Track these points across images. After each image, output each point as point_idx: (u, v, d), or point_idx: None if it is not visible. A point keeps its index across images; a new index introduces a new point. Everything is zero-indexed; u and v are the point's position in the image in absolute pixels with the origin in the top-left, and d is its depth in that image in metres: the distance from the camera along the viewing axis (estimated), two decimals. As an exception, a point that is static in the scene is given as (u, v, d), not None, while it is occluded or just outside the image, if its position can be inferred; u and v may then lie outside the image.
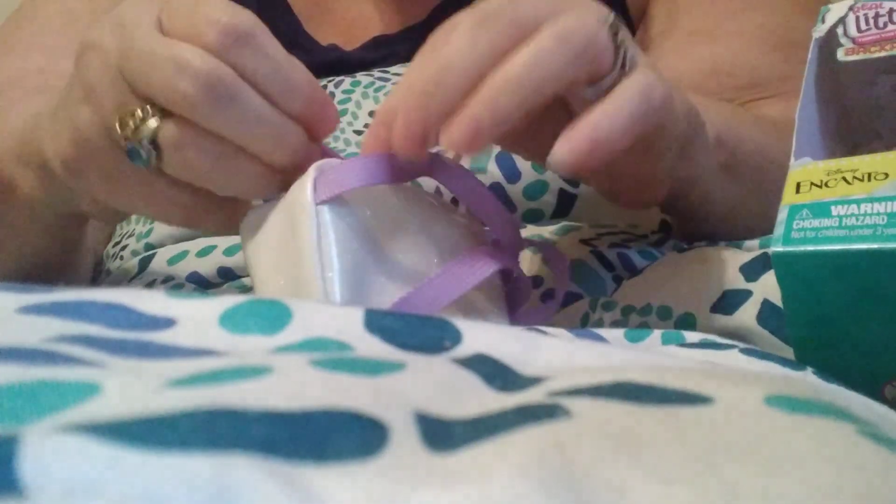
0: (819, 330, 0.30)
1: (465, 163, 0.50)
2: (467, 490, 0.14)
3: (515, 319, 0.38)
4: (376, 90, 0.58)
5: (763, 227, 0.47)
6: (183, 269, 0.51)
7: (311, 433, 0.14)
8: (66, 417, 0.14)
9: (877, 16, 0.35)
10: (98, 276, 0.61)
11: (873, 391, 0.29)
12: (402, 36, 0.63)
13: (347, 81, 0.59)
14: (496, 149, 0.51)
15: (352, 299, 0.31)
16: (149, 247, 0.55)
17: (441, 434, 0.16)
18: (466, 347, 0.22)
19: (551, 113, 0.34)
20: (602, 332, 0.30)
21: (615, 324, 0.40)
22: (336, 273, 0.31)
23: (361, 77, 0.59)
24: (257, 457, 0.13)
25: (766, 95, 0.57)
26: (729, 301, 0.37)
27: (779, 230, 0.30)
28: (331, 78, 0.60)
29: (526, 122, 0.33)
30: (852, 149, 0.36)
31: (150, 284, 0.52)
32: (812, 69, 0.35)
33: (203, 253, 0.51)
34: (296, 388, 0.16)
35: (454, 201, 0.48)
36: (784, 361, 0.28)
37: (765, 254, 0.38)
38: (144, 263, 0.54)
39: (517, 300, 0.39)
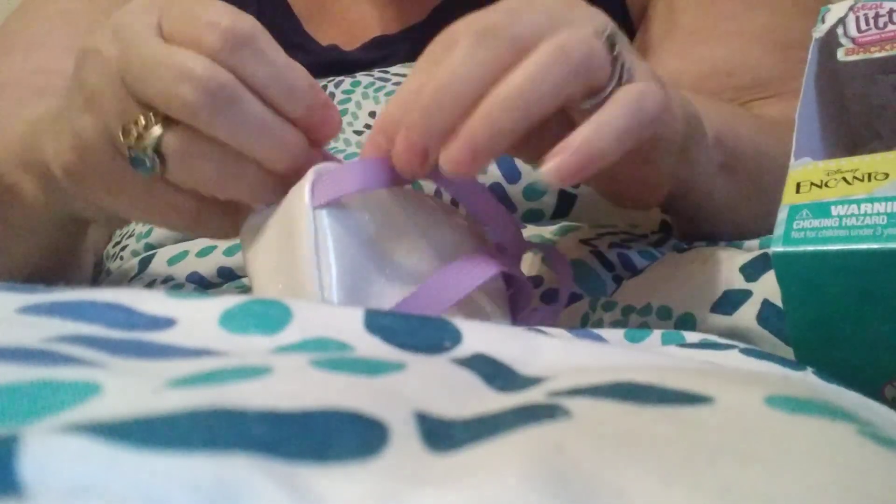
0: (819, 330, 0.30)
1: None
2: (467, 490, 0.14)
3: (519, 322, 0.38)
4: (376, 90, 0.58)
5: (763, 227, 0.47)
6: (183, 269, 0.51)
7: (311, 433, 0.14)
8: (66, 417, 0.14)
9: (877, 16, 0.35)
10: (98, 276, 0.61)
11: (873, 391, 0.29)
12: (402, 36, 0.63)
13: (347, 82, 0.59)
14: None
15: (349, 303, 0.31)
16: (149, 247, 0.55)
17: (441, 434, 0.16)
18: (466, 347, 0.22)
19: (551, 120, 0.34)
20: (602, 332, 0.30)
21: (615, 324, 0.40)
22: (333, 277, 0.31)
23: (361, 77, 0.59)
24: (257, 457, 0.13)
25: (767, 95, 0.57)
26: (729, 301, 0.37)
27: (779, 230, 0.30)
28: (331, 78, 0.60)
29: (526, 135, 0.33)
30: (852, 149, 0.36)
31: (150, 284, 0.52)
32: (812, 69, 0.35)
33: (203, 253, 0.51)
34: (296, 388, 0.16)
35: (455, 203, 0.48)
36: (784, 361, 0.28)
37: (765, 254, 0.38)
38: (144, 263, 0.54)
39: (519, 302, 0.39)
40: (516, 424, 0.16)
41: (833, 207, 0.29)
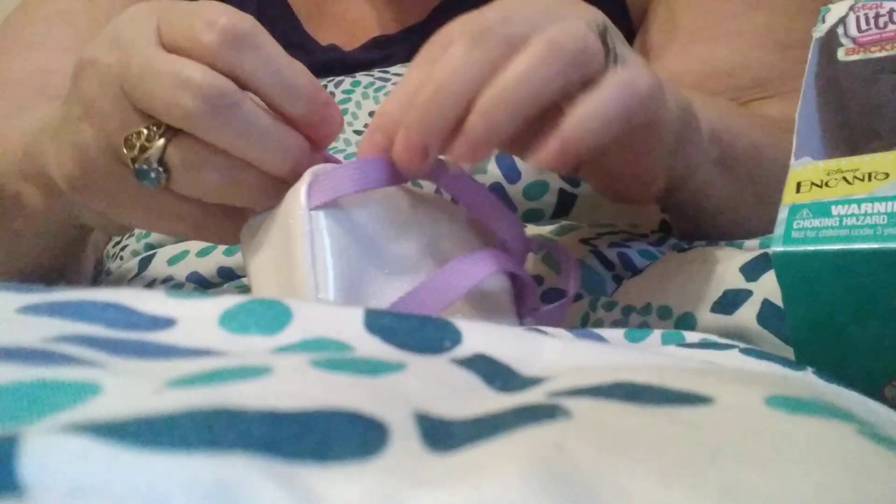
0: (819, 330, 0.30)
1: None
2: (467, 490, 0.14)
3: (526, 320, 0.38)
4: (376, 90, 0.58)
5: (761, 224, 0.47)
6: (183, 269, 0.51)
7: (311, 433, 0.14)
8: (66, 417, 0.14)
9: (877, 16, 0.35)
10: (98, 276, 0.61)
11: (873, 391, 0.29)
12: (401, 36, 0.63)
13: (347, 81, 0.59)
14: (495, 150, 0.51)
15: (347, 304, 0.31)
16: (149, 247, 0.55)
17: (441, 434, 0.16)
18: (466, 348, 0.22)
19: (547, 116, 0.34)
20: (602, 332, 0.30)
21: (615, 324, 0.40)
22: (330, 279, 0.31)
23: (361, 77, 0.59)
24: (257, 457, 0.13)
25: (767, 95, 0.57)
26: (729, 301, 0.37)
27: (779, 230, 0.30)
28: (331, 78, 0.60)
29: (523, 127, 0.33)
30: (852, 149, 0.36)
31: (150, 284, 0.52)
32: (812, 69, 0.35)
33: (203, 253, 0.51)
34: (296, 388, 0.16)
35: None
36: (784, 361, 0.28)
37: (765, 254, 0.38)
38: (144, 263, 0.54)
39: (524, 302, 0.38)
40: (516, 424, 0.16)
41: (833, 207, 0.29)
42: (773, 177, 0.47)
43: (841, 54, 0.35)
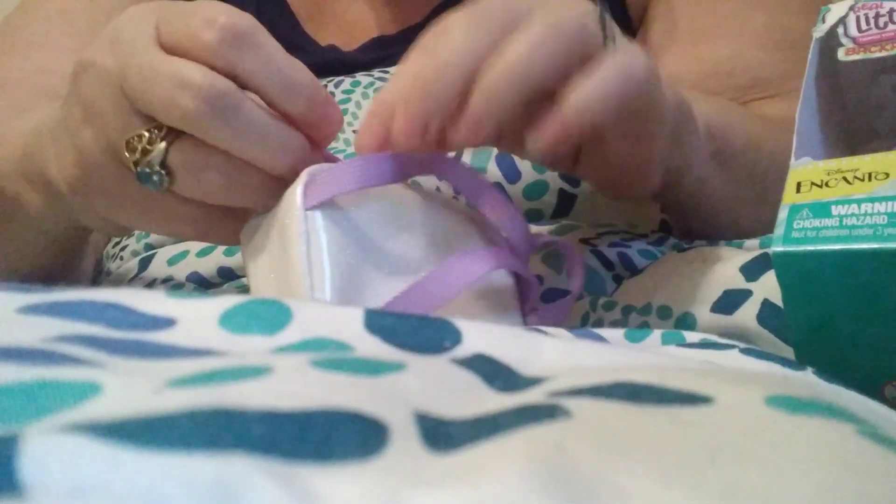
0: (819, 330, 0.30)
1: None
2: (467, 490, 0.14)
3: (528, 319, 0.38)
4: (376, 90, 0.58)
5: (758, 221, 0.47)
6: (183, 269, 0.51)
7: (311, 433, 0.14)
8: (66, 417, 0.14)
9: (877, 16, 0.35)
10: (98, 276, 0.61)
11: (873, 391, 0.29)
12: (400, 37, 0.63)
13: (347, 81, 0.59)
14: (495, 149, 0.51)
15: (344, 303, 0.31)
16: (148, 247, 0.55)
17: (441, 434, 0.16)
18: (466, 347, 0.22)
19: (544, 106, 0.34)
20: (602, 332, 0.30)
21: (615, 323, 0.40)
22: (326, 279, 0.31)
23: (361, 77, 0.59)
24: (257, 457, 0.13)
25: (767, 95, 0.57)
26: (729, 301, 0.37)
27: (779, 230, 0.30)
28: (331, 78, 0.60)
29: (522, 122, 0.33)
30: (852, 149, 0.36)
31: (150, 284, 0.52)
32: (812, 69, 0.35)
33: (203, 253, 0.51)
34: (296, 388, 0.16)
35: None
36: (784, 361, 0.28)
37: (765, 254, 0.38)
38: (144, 263, 0.54)
39: (525, 300, 0.38)
40: (516, 424, 0.16)
41: (833, 207, 0.29)
42: (771, 173, 0.47)
43: (841, 54, 0.35)
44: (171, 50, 0.32)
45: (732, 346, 0.30)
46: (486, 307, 0.35)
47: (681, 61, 0.58)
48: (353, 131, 0.55)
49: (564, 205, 0.51)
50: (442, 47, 0.32)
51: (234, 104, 0.31)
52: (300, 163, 0.33)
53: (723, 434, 0.16)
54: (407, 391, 0.17)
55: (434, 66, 0.32)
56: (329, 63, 0.62)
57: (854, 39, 0.35)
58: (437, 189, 0.48)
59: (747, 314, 0.36)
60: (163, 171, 0.33)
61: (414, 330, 0.22)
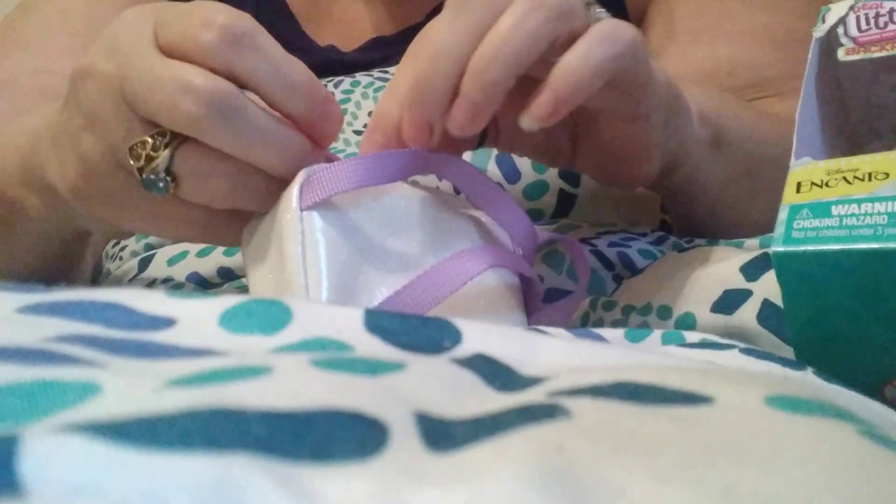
0: (819, 330, 0.30)
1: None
2: (467, 490, 0.14)
3: (533, 319, 0.38)
4: (376, 90, 0.58)
5: (755, 212, 0.47)
6: (183, 269, 0.51)
7: (311, 433, 0.14)
8: (66, 417, 0.14)
9: (877, 15, 0.35)
10: (97, 276, 0.60)
11: (873, 391, 0.29)
12: (399, 37, 0.63)
13: (347, 81, 0.59)
14: (495, 149, 0.51)
15: (340, 303, 0.31)
16: (148, 247, 0.55)
17: (441, 434, 0.16)
18: (466, 347, 0.22)
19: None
20: (602, 332, 0.30)
21: (615, 323, 0.40)
22: (322, 279, 0.31)
23: (361, 77, 0.59)
24: (257, 457, 0.13)
25: (767, 95, 0.57)
26: (729, 301, 0.37)
27: (779, 230, 0.30)
28: (330, 78, 0.60)
29: (517, 114, 0.33)
30: (852, 149, 0.36)
31: (149, 285, 0.52)
32: (812, 69, 0.35)
33: (203, 253, 0.51)
34: (296, 387, 0.16)
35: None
36: (784, 361, 0.28)
37: (765, 254, 0.38)
38: (144, 263, 0.54)
39: (530, 299, 0.38)
40: (516, 424, 0.16)
41: (833, 207, 0.29)
42: (766, 160, 0.48)
43: (841, 54, 0.35)
44: (170, 52, 0.32)
45: (732, 346, 0.30)
46: (489, 306, 0.35)
47: (680, 61, 0.58)
48: (354, 131, 0.55)
49: (564, 205, 0.51)
50: (430, 45, 0.33)
51: (236, 107, 0.31)
52: (302, 164, 0.33)
53: (723, 434, 0.16)
54: (407, 391, 0.17)
55: (424, 66, 0.32)
56: (328, 63, 0.62)
57: (854, 39, 0.35)
58: (437, 188, 0.48)
59: (747, 314, 0.36)
60: (168, 178, 0.32)
61: (414, 330, 0.22)
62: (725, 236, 0.44)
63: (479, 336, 0.22)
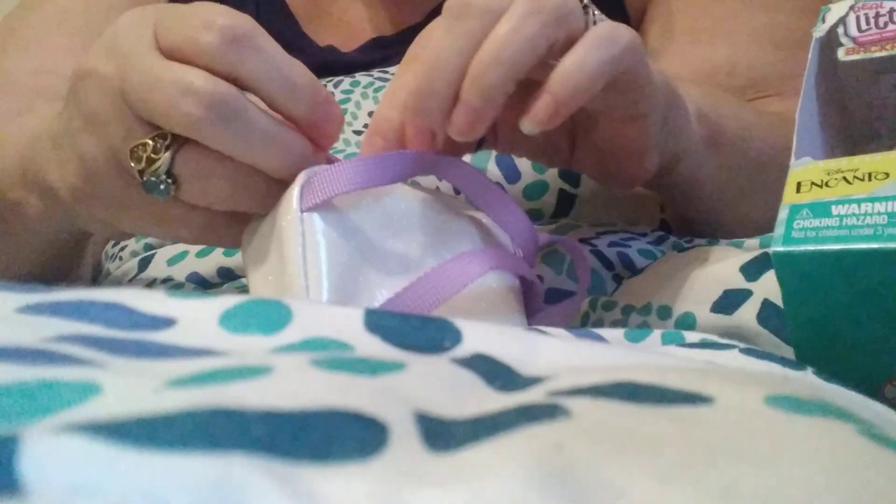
0: (819, 330, 0.30)
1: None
2: (467, 490, 0.14)
3: (534, 322, 0.38)
4: (375, 90, 0.58)
5: (753, 207, 0.47)
6: (182, 269, 0.51)
7: (311, 433, 0.14)
8: (66, 417, 0.14)
9: (877, 15, 0.35)
10: (97, 276, 0.60)
11: (873, 391, 0.29)
12: (399, 38, 0.63)
13: (347, 81, 0.59)
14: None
15: (340, 304, 0.31)
16: (148, 247, 0.55)
17: (441, 434, 0.16)
18: (466, 347, 0.22)
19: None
20: (602, 332, 0.30)
21: (615, 323, 0.40)
22: (322, 281, 0.31)
23: (361, 77, 0.59)
24: (257, 457, 0.13)
25: (767, 95, 0.57)
26: (729, 301, 0.37)
27: (779, 230, 0.30)
28: (330, 78, 0.60)
29: (517, 117, 0.33)
30: (852, 149, 0.36)
31: (149, 285, 0.52)
32: (812, 69, 0.35)
33: (203, 253, 0.51)
34: (296, 387, 0.16)
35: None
36: (784, 361, 0.28)
37: (765, 253, 0.38)
38: (144, 264, 0.54)
39: (530, 301, 0.38)
40: (516, 424, 0.16)
41: (833, 207, 0.29)
42: (764, 159, 0.48)
43: (841, 54, 0.35)
44: (170, 54, 0.32)
45: (732, 346, 0.30)
46: (489, 308, 0.35)
47: (680, 61, 0.58)
48: (353, 131, 0.55)
49: (564, 205, 0.51)
50: (429, 52, 0.33)
51: (237, 109, 0.31)
52: (303, 165, 0.33)
53: (723, 434, 0.16)
54: (407, 391, 0.17)
55: (424, 73, 0.32)
56: (328, 64, 0.62)
57: (854, 39, 0.35)
58: (437, 189, 0.48)
59: (747, 314, 0.36)
60: (169, 180, 0.32)
61: (414, 330, 0.22)
62: (724, 236, 0.44)
63: (479, 336, 0.22)
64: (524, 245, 0.38)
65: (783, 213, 0.30)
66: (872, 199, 0.28)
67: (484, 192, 0.36)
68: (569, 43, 0.33)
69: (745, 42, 0.58)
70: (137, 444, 0.13)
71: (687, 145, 0.43)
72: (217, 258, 0.50)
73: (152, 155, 0.32)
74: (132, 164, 0.33)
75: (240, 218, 0.35)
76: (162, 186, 0.33)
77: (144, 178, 0.32)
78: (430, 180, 0.48)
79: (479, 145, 0.41)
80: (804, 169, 0.31)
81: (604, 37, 0.33)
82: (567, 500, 0.13)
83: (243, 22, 0.32)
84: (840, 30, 0.36)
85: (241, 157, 0.32)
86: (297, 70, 0.33)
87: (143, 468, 0.12)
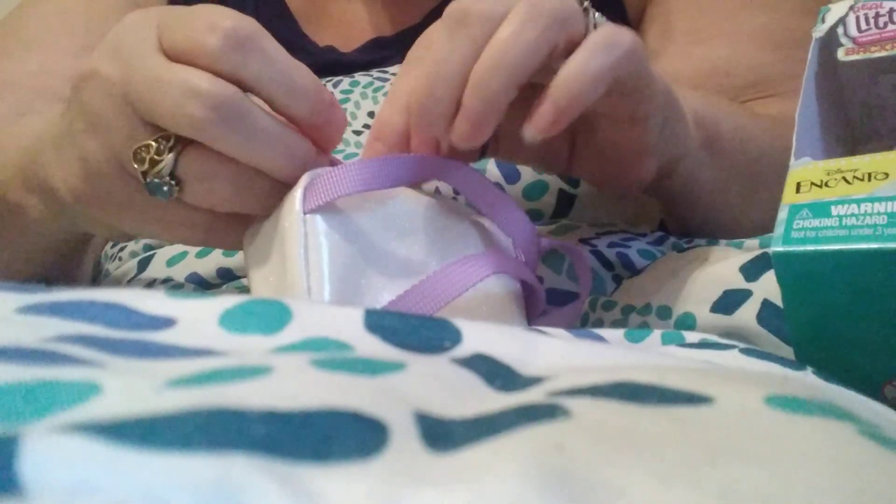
0: (819, 330, 0.30)
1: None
2: (467, 490, 0.14)
3: (536, 324, 0.38)
4: (375, 90, 0.58)
5: (751, 210, 0.47)
6: (182, 269, 0.51)
7: (311, 433, 0.14)
8: (66, 417, 0.14)
9: (877, 16, 0.35)
10: (97, 276, 0.60)
11: (873, 391, 0.29)
12: (398, 38, 0.64)
13: (346, 82, 0.59)
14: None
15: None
16: (147, 248, 0.55)
17: (441, 434, 0.16)
18: (466, 347, 0.22)
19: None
20: (602, 332, 0.30)
21: (615, 324, 0.40)
22: (324, 283, 0.31)
23: (360, 77, 0.59)
24: (257, 457, 0.13)
25: (766, 95, 0.57)
26: (729, 301, 0.37)
27: (779, 230, 0.30)
28: (329, 78, 0.60)
29: (519, 124, 0.33)
30: (852, 149, 0.36)
31: (149, 285, 0.52)
32: (812, 69, 0.35)
33: (202, 254, 0.51)
34: (296, 387, 0.16)
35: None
36: (784, 361, 0.28)
37: (765, 254, 0.38)
38: (143, 264, 0.54)
39: (532, 306, 0.38)
40: (516, 424, 0.16)
41: (833, 207, 0.29)
42: (761, 161, 0.48)
43: (841, 54, 0.35)
44: (174, 56, 0.32)
45: (732, 346, 0.30)
46: (491, 312, 0.35)
47: (679, 62, 0.58)
48: (353, 131, 0.55)
49: (564, 205, 0.51)
50: (430, 59, 0.33)
51: (240, 111, 0.31)
52: (307, 167, 0.33)
53: (723, 434, 0.16)
54: (407, 391, 0.17)
55: (426, 81, 0.33)
56: (328, 64, 0.62)
57: (854, 39, 0.35)
58: (437, 190, 0.48)
59: (747, 314, 0.36)
60: (172, 182, 0.32)
61: (414, 330, 0.22)
62: (723, 237, 0.44)
63: (478, 336, 0.22)
64: (526, 249, 0.38)
65: (783, 214, 0.30)
66: (872, 200, 0.28)
67: (486, 195, 0.36)
68: (570, 46, 0.33)
69: (745, 42, 0.58)
70: (137, 444, 0.13)
71: (685, 149, 0.43)
72: (217, 259, 0.50)
73: (155, 157, 0.32)
74: (135, 166, 0.33)
75: (241, 219, 0.35)
76: (165, 188, 0.32)
77: (147, 180, 0.32)
78: (432, 184, 0.48)
79: (481, 155, 0.41)
80: (804, 169, 0.31)
81: (605, 41, 0.33)
82: (567, 500, 0.13)
83: (247, 24, 0.32)
84: (840, 30, 0.36)
85: (244, 158, 0.32)
86: (301, 72, 0.33)
87: (143, 468, 0.12)
